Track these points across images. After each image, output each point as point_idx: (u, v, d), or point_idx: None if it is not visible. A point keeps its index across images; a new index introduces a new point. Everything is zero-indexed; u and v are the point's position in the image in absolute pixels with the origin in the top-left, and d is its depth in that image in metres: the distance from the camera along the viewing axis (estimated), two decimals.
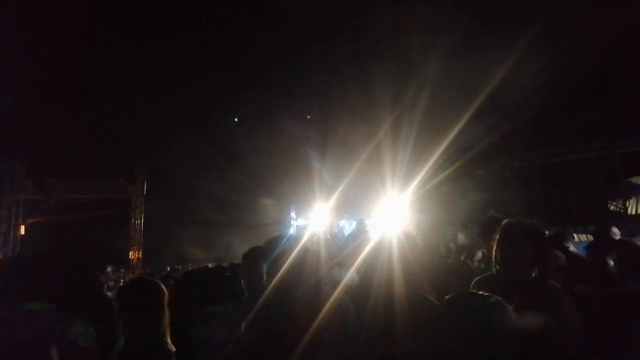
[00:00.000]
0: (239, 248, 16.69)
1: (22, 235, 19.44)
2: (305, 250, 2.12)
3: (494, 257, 2.44)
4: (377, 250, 2.12)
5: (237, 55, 19.84)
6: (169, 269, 16.39)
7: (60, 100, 19.44)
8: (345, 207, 17.58)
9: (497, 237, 2.44)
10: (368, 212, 15.46)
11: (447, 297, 1.55)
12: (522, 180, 15.52)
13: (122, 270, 17.87)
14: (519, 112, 12.85)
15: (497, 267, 2.42)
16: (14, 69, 15.94)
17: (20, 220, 19.63)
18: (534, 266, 2.31)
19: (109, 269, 15.89)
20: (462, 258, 4.25)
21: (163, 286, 2.44)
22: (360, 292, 2.19)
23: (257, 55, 19.15)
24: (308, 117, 20.36)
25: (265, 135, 18.53)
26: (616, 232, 4.96)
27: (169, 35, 20.10)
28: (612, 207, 14.96)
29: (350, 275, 2.47)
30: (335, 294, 2.12)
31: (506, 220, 2.49)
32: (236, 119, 23.27)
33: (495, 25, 12.51)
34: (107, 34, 17.10)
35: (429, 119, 13.08)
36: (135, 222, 23.57)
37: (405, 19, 12.82)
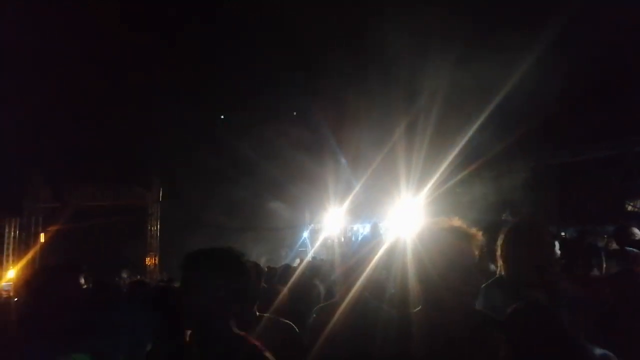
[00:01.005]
0: (253, 252, 16.83)
1: (42, 242, 19.71)
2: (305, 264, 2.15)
3: (501, 259, 2.43)
4: (391, 253, 2.14)
5: (251, 59, 19.92)
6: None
7: (76, 108, 19.68)
8: (360, 210, 17.58)
9: (503, 239, 2.42)
10: (382, 216, 15.44)
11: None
12: (537, 180, 15.35)
13: (138, 277, 17.97)
14: (534, 111, 12.73)
15: (505, 269, 2.41)
16: (30, 77, 16.22)
17: (40, 228, 19.93)
18: (541, 267, 2.29)
19: (125, 275, 16.05)
20: None
21: None
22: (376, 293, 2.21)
23: (272, 59, 19.19)
24: (320, 120, 20.37)
25: (280, 140, 18.58)
26: (637, 233, 4.87)
27: (185, 41, 20.29)
28: (629, 208, 14.71)
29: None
30: (351, 294, 2.14)
31: (511, 222, 2.48)
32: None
33: (507, 25, 12.41)
34: (121, 39, 17.30)
35: (443, 122, 13.03)
36: (151, 229, 23.70)
37: (421, 21, 12.80)
